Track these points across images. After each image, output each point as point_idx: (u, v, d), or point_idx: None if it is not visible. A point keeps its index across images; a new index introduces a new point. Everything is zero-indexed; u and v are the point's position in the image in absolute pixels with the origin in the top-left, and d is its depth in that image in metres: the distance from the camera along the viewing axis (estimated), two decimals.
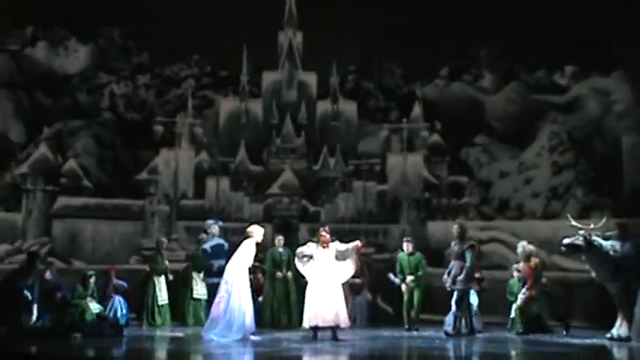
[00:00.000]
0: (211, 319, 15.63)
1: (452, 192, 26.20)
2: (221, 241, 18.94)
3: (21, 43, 30.78)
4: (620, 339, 15.60)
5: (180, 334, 16.92)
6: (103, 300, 17.97)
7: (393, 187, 25.04)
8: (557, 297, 18.18)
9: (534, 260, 17.39)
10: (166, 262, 19.03)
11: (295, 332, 16.37)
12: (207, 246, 19.04)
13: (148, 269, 19.10)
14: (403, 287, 18.11)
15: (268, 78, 27.20)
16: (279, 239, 19.36)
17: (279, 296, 18.73)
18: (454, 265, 16.80)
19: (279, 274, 18.75)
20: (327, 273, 15.55)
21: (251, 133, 26.56)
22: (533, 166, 27.64)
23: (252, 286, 16.15)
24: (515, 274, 18.10)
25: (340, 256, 15.73)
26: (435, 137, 26.49)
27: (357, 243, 16.03)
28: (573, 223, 16.24)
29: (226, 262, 16.03)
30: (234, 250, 15.90)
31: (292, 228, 24.26)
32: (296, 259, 16.03)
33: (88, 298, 17.54)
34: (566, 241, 15.91)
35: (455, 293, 16.86)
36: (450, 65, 32.50)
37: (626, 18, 16.96)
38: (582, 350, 14.82)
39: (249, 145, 26.05)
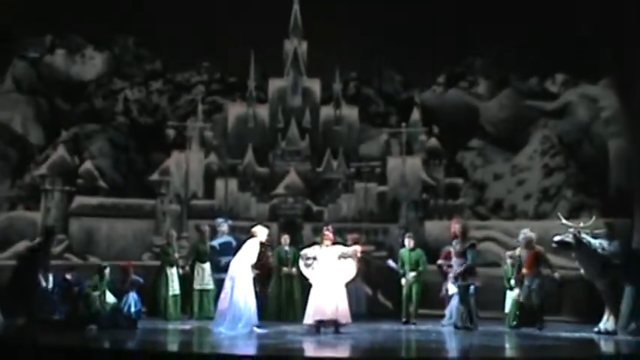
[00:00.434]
0: (218, 313, 15.68)
1: (448, 193, 26.22)
2: (229, 238, 18.87)
3: (40, 51, 30.84)
4: (607, 332, 15.64)
5: (189, 327, 16.93)
6: (120, 293, 17.96)
7: (392, 189, 25.06)
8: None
9: (537, 247, 17.25)
10: (176, 255, 19.03)
11: (299, 326, 16.37)
12: (215, 243, 18.99)
13: (160, 261, 19.11)
14: (403, 281, 18.10)
15: (274, 84, 27.22)
16: (285, 238, 19.36)
17: (284, 291, 18.74)
18: (455, 262, 16.81)
19: (285, 269, 18.77)
20: (329, 272, 15.65)
21: (258, 137, 26.58)
22: (525, 169, 27.68)
23: (259, 270, 16.29)
24: (509, 260, 18.02)
25: (342, 257, 15.82)
26: (433, 141, 26.52)
27: (357, 248, 16.16)
28: (564, 221, 16.24)
29: None
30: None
31: (297, 227, 24.32)
32: (300, 262, 16.12)
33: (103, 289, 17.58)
34: (557, 238, 15.89)
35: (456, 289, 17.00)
36: (446, 73, 32.53)
37: (615, 29, 17.00)
38: (571, 343, 14.82)
39: (256, 147, 26.08)
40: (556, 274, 17.11)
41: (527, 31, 27.16)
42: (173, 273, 18.76)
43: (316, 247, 16.08)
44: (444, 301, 18.24)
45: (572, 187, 26.30)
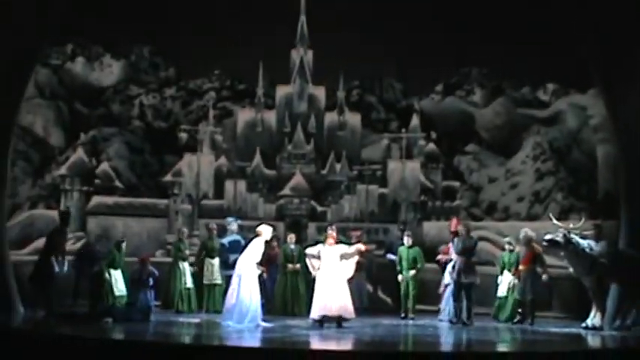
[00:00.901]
0: (226, 308, 15.73)
1: (445, 195, 26.18)
2: (238, 237, 18.86)
3: (62, 59, 30.92)
4: (594, 328, 15.65)
5: (200, 320, 16.94)
6: (139, 284, 17.89)
7: (392, 191, 25.05)
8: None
9: (536, 247, 17.24)
10: (187, 252, 19.07)
11: (304, 320, 16.39)
12: (225, 241, 19.03)
13: (173, 257, 19.13)
14: (399, 278, 18.08)
15: (281, 91, 27.21)
16: (291, 237, 19.35)
17: (290, 287, 18.73)
18: (457, 260, 16.77)
19: (290, 266, 18.78)
20: (332, 269, 15.72)
21: (266, 141, 26.58)
22: (518, 173, 27.70)
23: (265, 261, 16.42)
24: (507, 246, 18.03)
25: (344, 257, 15.87)
26: (431, 146, 26.49)
27: (360, 247, 16.24)
28: (555, 222, 16.26)
29: None
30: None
31: (302, 226, 24.33)
32: (307, 259, 16.25)
33: (118, 271, 17.60)
34: (547, 236, 15.88)
35: (451, 286, 16.99)
36: (444, 82, 32.58)
37: (603, 41, 17.04)
38: (561, 338, 14.82)
39: (263, 151, 26.08)
40: (544, 276, 17.13)
41: (520, 44, 27.16)
42: (185, 267, 18.82)
43: (320, 245, 16.19)
44: (441, 298, 18.20)
45: (562, 190, 26.33)
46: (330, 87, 27.61)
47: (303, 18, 27.47)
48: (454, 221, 18.14)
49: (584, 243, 15.82)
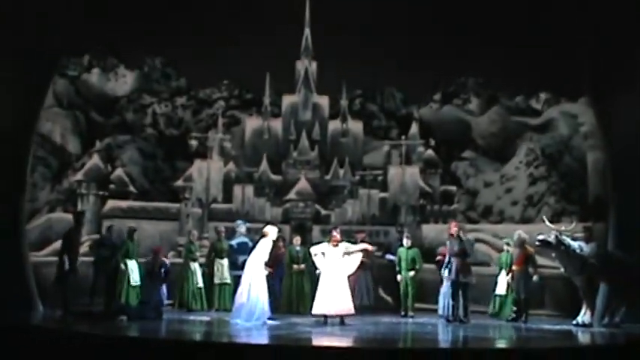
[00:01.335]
0: (236, 307, 15.73)
1: (443, 199, 26.23)
2: (246, 239, 18.90)
3: (79, 70, 30.95)
4: (584, 325, 15.70)
5: (210, 318, 16.97)
6: (151, 276, 17.87)
7: (393, 195, 25.10)
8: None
9: (529, 248, 17.25)
10: (197, 253, 19.13)
11: (308, 318, 16.42)
12: (234, 242, 19.07)
13: (184, 258, 19.17)
14: (398, 277, 18.11)
15: (287, 100, 27.31)
16: (297, 239, 19.38)
17: (295, 286, 18.75)
18: (453, 261, 16.77)
19: (295, 266, 18.80)
20: (335, 268, 15.80)
21: (272, 148, 26.69)
22: (512, 178, 27.71)
23: (272, 260, 16.44)
24: (505, 247, 18.05)
25: (348, 252, 15.93)
26: (429, 152, 26.53)
27: (367, 247, 16.30)
28: (548, 224, 16.29)
29: None
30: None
31: (306, 229, 24.39)
32: (313, 257, 16.30)
33: (133, 261, 17.66)
34: (540, 237, 15.90)
35: (446, 283, 17.01)
36: (442, 91, 32.57)
37: (594, 51, 17.06)
38: (553, 335, 14.83)
39: (270, 157, 26.18)
40: (535, 277, 17.12)
41: (514, 55, 27.15)
42: (196, 267, 18.85)
43: (324, 244, 16.34)
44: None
45: (554, 194, 26.34)
46: (334, 96, 27.68)
47: (307, 31, 27.58)
48: (452, 224, 18.17)
49: (574, 244, 15.86)
